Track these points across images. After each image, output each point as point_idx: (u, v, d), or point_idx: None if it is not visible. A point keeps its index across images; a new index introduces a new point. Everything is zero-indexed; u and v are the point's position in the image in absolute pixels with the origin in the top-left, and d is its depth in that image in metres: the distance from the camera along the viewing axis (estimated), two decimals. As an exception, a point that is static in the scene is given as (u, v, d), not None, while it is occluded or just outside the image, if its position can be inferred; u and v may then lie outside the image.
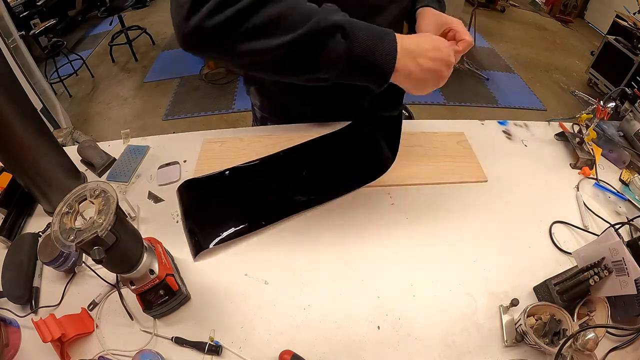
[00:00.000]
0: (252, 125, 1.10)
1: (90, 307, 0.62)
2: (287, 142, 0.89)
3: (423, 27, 0.69)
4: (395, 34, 0.54)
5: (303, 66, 0.53)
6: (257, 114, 1.03)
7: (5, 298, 0.62)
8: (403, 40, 0.54)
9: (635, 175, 0.87)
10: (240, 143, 0.90)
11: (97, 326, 0.60)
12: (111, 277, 0.63)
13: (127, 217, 0.71)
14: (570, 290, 0.60)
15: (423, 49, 0.55)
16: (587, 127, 0.92)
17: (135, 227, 0.62)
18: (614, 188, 0.84)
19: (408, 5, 0.76)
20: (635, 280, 0.53)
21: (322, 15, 0.50)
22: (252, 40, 0.50)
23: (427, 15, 0.71)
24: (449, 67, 0.58)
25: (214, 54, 0.53)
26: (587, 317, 0.61)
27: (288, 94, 0.90)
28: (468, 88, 3.13)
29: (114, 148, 0.89)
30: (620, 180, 0.87)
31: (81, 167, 0.84)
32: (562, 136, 0.96)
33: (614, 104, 0.89)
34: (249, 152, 0.87)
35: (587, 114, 0.93)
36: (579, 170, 0.88)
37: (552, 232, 0.75)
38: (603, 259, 0.57)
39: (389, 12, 0.72)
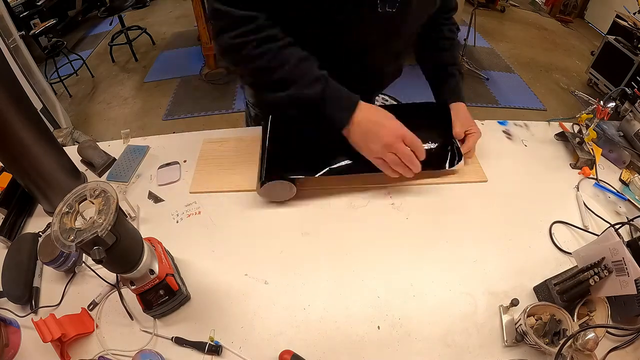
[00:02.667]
0: (246, 124, 1.09)
1: (90, 307, 0.62)
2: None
3: (454, 126, 0.85)
4: (362, 103, 0.70)
5: (276, 106, 0.73)
6: (251, 112, 1.02)
7: (5, 298, 0.62)
8: (366, 110, 0.70)
9: (635, 175, 0.87)
10: (241, 143, 0.90)
11: (97, 326, 0.60)
12: (111, 277, 0.64)
13: (127, 217, 0.71)
14: (570, 290, 0.60)
15: (376, 122, 0.70)
16: (587, 127, 0.92)
17: (135, 227, 0.62)
18: (614, 188, 0.84)
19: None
20: (635, 280, 0.53)
21: (299, 91, 0.66)
22: (249, 84, 0.73)
23: (454, 114, 0.86)
24: (384, 146, 0.69)
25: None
26: (587, 317, 0.61)
27: None
28: (468, 88, 3.13)
29: (114, 148, 0.89)
30: (620, 180, 0.87)
31: (81, 167, 0.84)
32: (562, 136, 0.96)
33: (614, 104, 0.89)
34: (249, 152, 0.87)
35: (587, 114, 0.93)
36: (579, 170, 0.88)
37: (552, 232, 0.75)
38: (603, 259, 0.57)
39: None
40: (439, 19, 0.89)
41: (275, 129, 0.80)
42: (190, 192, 0.80)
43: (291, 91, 0.66)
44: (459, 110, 0.88)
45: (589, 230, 0.75)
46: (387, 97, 1.30)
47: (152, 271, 0.55)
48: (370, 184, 0.80)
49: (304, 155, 0.77)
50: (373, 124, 0.69)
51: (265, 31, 0.65)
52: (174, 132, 0.96)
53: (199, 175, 0.83)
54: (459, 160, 0.81)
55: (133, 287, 0.54)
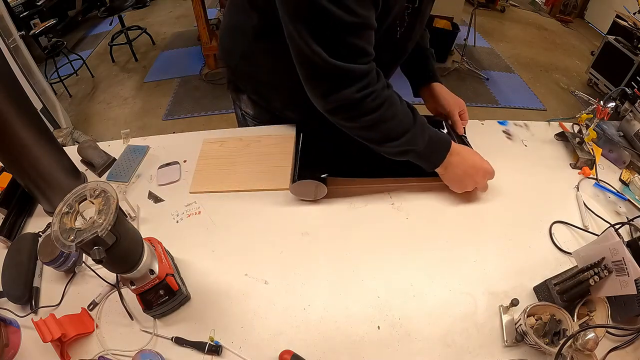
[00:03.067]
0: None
1: (90, 307, 0.62)
2: (287, 142, 0.89)
3: (446, 105, 0.91)
4: (454, 144, 0.74)
5: (387, 154, 0.71)
6: (249, 123, 0.99)
7: (5, 298, 0.62)
8: (457, 152, 0.74)
9: (635, 175, 0.87)
10: (240, 143, 0.90)
11: (97, 326, 0.60)
12: (111, 277, 0.64)
13: (127, 217, 0.71)
14: (570, 290, 0.60)
15: (466, 163, 0.75)
16: (587, 127, 0.92)
17: (135, 227, 0.62)
18: (614, 188, 0.84)
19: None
20: (635, 280, 0.53)
21: (412, 137, 0.68)
22: (363, 137, 0.69)
23: (444, 93, 0.92)
24: (477, 184, 0.77)
25: (334, 121, 0.68)
26: (587, 317, 0.61)
27: (297, 110, 0.88)
28: (468, 88, 3.13)
29: (114, 148, 0.89)
30: (620, 180, 0.87)
31: (81, 167, 0.84)
32: (562, 136, 0.96)
33: (614, 104, 0.89)
34: (250, 151, 0.87)
35: (587, 114, 0.93)
36: (579, 170, 0.88)
37: (552, 232, 0.75)
38: (603, 259, 0.57)
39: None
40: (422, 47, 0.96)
41: (307, 131, 0.83)
42: (190, 192, 0.80)
43: (404, 139, 0.67)
44: (444, 91, 0.93)
45: (589, 230, 0.75)
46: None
47: (152, 271, 0.55)
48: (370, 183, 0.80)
49: (333, 157, 0.81)
50: (470, 167, 0.75)
51: (380, 81, 0.64)
52: (174, 132, 0.96)
53: (199, 175, 0.83)
54: None
55: (133, 287, 0.54)
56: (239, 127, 1.07)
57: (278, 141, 0.90)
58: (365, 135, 0.68)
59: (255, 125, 0.98)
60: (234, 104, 1.00)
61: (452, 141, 0.74)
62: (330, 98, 0.61)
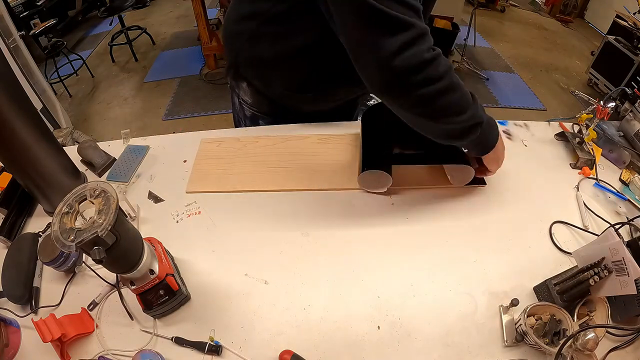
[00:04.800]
0: (238, 124, 1.06)
1: (90, 307, 0.62)
2: (284, 142, 0.89)
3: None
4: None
5: (448, 135, 0.65)
6: (246, 112, 0.99)
7: (5, 298, 0.62)
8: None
9: (635, 175, 0.87)
10: (238, 143, 0.90)
11: (97, 326, 0.60)
12: (111, 277, 0.64)
13: (127, 217, 0.71)
14: (570, 290, 0.60)
15: (500, 140, 0.75)
16: (587, 127, 0.92)
17: (135, 227, 0.62)
18: (614, 188, 0.84)
19: None
20: (635, 280, 0.53)
21: (475, 110, 0.64)
22: (429, 111, 0.61)
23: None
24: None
25: (396, 96, 0.60)
26: (587, 317, 0.61)
27: (296, 96, 0.88)
28: (468, 88, 3.09)
29: (114, 148, 0.89)
30: (620, 180, 0.87)
31: (81, 167, 0.84)
32: (562, 136, 0.96)
33: (614, 104, 0.89)
34: (246, 152, 0.88)
35: (587, 114, 0.93)
36: (579, 170, 0.88)
37: (552, 232, 0.75)
38: (603, 259, 0.57)
39: None
40: None
41: (369, 124, 0.84)
42: (187, 192, 0.80)
43: (470, 113, 0.63)
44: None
45: (589, 230, 0.75)
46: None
47: (152, 271, 0.55)
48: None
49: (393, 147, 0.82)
50: (502, 144, 0.75)
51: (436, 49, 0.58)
52: (174, 132, 0.96)
53: (196, 174, 0.83)
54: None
55: (133, 287, 0.54)
56: (234, 118, 1.07)
57: (275, 142, 0.90)
58: (432, 108, 0.59)
59: (254, 114, 0.98)
60: (232, 92, 0.99)
61: None
62: (401, 56, 0.53)
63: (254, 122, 0.98)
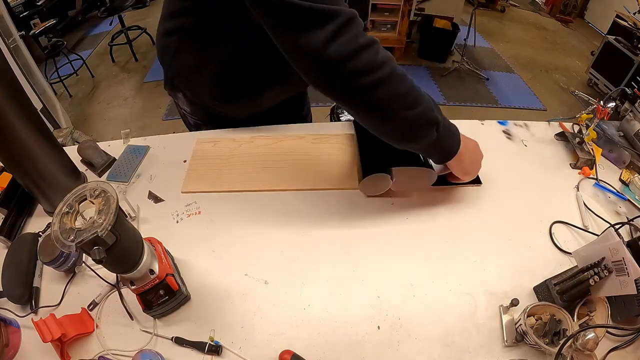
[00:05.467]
0: (188, 130, 1.03)
1: (90, 307, 0.62)
2: (279, 142, 0.90)
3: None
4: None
5: (399, 135, 0.61)
6: (189, 120, 0.99)
7: (5, 298, 0.62)
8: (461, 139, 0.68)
9: (635, 175, 0.87)
10: (233, 143, 0.90)
11: (97, 326, 0.60)
12: (111, 277, 0.64)
13: (127, 217, 0.71)
14: (570, 290, 0.60)
15: (471, 146, 0.73)
16: (587, 127, 0.92)
17: (135, 227, 0.62)
18: (614, 188, 0.84)
19: None
20: (635, 280, 0.53)
21: (428, 107, 0.58)
22: (373, 104, 0.55)
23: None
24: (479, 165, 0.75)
25: (337, 91, 0.56)
26: (587, 317, 0.61)
27: (226, 105, 0.89)
28: (468, 88, 3.13)
29: (114, 148, 0.89)
30: (620, 180, 0.87)
31: (81, 167, 0.84)
32: (562, 136, 0.96)
33: (614, 104, 0.89)
34: (242, 152, 0.88)
35: (587, 114, 0.93)
36: (579, 170, 0.88)
37: (552, 232, 0.75)
38: (603, 259, 0.57)
39: None
40: None
41: (362, 129, 0.81)
42: (182, 192, 0.80)
43: (422, 107, 0.57)
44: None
45: (589, 230, 0.75)
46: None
47: (152, 271, 0.55)
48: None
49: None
50: (473, 154, 0.73)
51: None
52: (174, 132, 0.96)
53: (192, 174, 0.83)
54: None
55: (133, 287, 0.54)
56: (185, 124, 1.06)
57: (270, 142, 0.90)
58: (375, 100, 0.54)
59: (196, 122, 0.98)
60: (175, 104, 0.99)
61: None
62: (331, 47, 0.49)
63: (198, 129, 0.98)
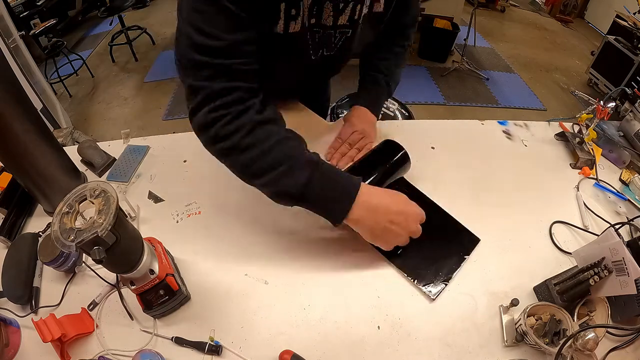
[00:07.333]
0: None
1: (90, 307, 0.62)
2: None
3: (350, 121, 0.88)
4: (365, 187, 0.60)
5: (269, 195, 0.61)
6: None
7: (5, 298, 0.62)
8: (370, 197, 0.60)
9: (635, 175, 0.87)
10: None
11: (97, 326, 0.60)
12: (111, 277, 0.64)
13: (127, 217, 0.71)
14: (570, 290, 0.60)
15: (387, 210, 0.61)
16: (587, 127, 0.92)
17: (135, 227, 0.62)
18: (614, 188, 0.84)
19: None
20: (635, 280, 0.53)
21: (277, 176, 0.57)
22: (228, 166, 0.61)
23: (362, 115, 0.88)
24: (409, 234, 0.63)
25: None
26: (587, 317, 0.61)
27: None
28: (468, 88, 3.13)
29: (114, 148, 0.89)
30: (620, 180, 0.87)
31: (81, 167, 0.84)
32: (562, 136, 0.96)
33: (614, 104, 0.89)
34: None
35: (587, 114, 0.93)
36: (579, 170, 0.88)
37: (552, 232, 0.75)
38: (603, 259, 0.57)
39: None
40: (391, 36, 0.88)
41: None
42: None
43: (265, 179, 0.57)
44: (363, 115, 0.89)
45: (589, 230, 0.75)
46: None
47: (152, 271, 0.55)
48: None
49: None
50: (398, 215, 0.61)
51: (244, 104, 0.57)
52: (174, 132, 0.96)
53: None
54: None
55: (133, 287, 0.54)
56: None
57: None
58: (227, 164, 0.60)
59: None
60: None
61: (363, 185, 0.60)
62: (193, 117, 0.58)
63: None
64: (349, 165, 0.78)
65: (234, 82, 0.56)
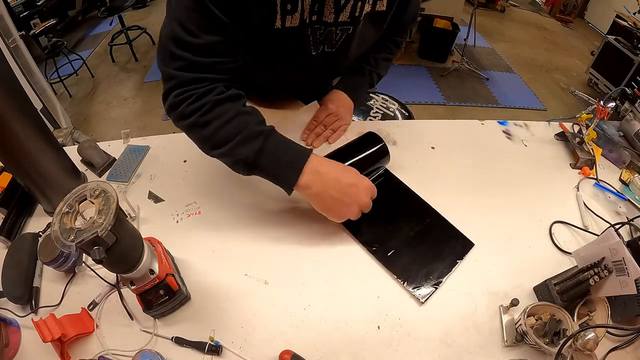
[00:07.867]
0: None
1: (90, 307, 0.62)
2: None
3: (325, 104, 0.92)
4: (316, 156, 0.64)
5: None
6: None
7: (5, 298, 0.62)
8: (320, 165, 0.63)
9: (635, 175, 0.87)
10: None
11: (97, 326, 0.60)
12: (111, 277, 0.63)
13: (127, 217, 0.71)
14: (570, 290, 0.60)
15: (337, 180, 0.63)
16: (587, 127, 0.92)
17: (135, 227, 0.62)
18: (614, 188, 0.84)
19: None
20: (635, 280, 0.53)
21: (237, 149, 0.62)
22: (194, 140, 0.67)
23: (341, 99, 0.92)
24: (360, 207, 0.65)
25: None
26: (587, 317, 0.61)
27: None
28: (468, 88, 3.13)
29: (114, 148, 0.89)
30: (620, 180, 0.87)
31: (81, 167, 0.84)
32: (562, 136, 0.96)
33: (614, 104, 0.89)
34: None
35: (587, 114, 0.93)
36: (579, 170, 0.88)
37: (552, 232, 0.75)
38: (603, 259, 0.57)
39: None
40: (387, 30, 0.84)
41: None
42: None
43: (223, 150, 0.62)
44: (340, 98, 0.92)
45: (589, 230, 0.75)
46: (387, 97, 1.31)
47: (152, 271, 0.55)
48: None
49: None
50: (348, 186, 0.63)
51: (207, 88, 0.62)
52: (174, 132, 0.96)
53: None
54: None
55: (133, 287, 0.54)
56: None
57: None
58: (193, 139, 0.66)
59: None
60: None
61: (313, 155, 0.63)
62: (166, 98, 0.64)
63: None
64: (328, 153, 0.78)
65: (204, 74, 0.62)
